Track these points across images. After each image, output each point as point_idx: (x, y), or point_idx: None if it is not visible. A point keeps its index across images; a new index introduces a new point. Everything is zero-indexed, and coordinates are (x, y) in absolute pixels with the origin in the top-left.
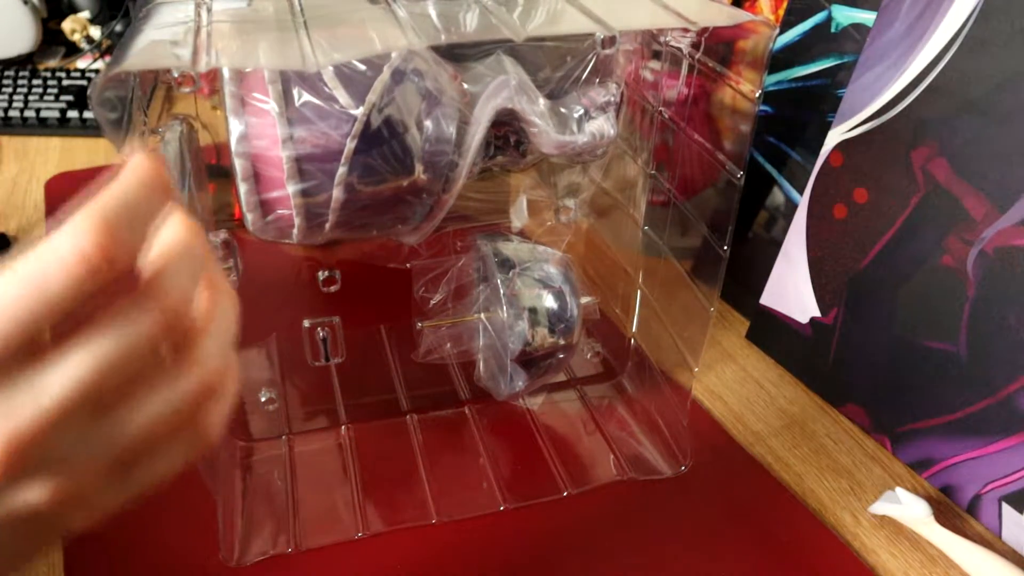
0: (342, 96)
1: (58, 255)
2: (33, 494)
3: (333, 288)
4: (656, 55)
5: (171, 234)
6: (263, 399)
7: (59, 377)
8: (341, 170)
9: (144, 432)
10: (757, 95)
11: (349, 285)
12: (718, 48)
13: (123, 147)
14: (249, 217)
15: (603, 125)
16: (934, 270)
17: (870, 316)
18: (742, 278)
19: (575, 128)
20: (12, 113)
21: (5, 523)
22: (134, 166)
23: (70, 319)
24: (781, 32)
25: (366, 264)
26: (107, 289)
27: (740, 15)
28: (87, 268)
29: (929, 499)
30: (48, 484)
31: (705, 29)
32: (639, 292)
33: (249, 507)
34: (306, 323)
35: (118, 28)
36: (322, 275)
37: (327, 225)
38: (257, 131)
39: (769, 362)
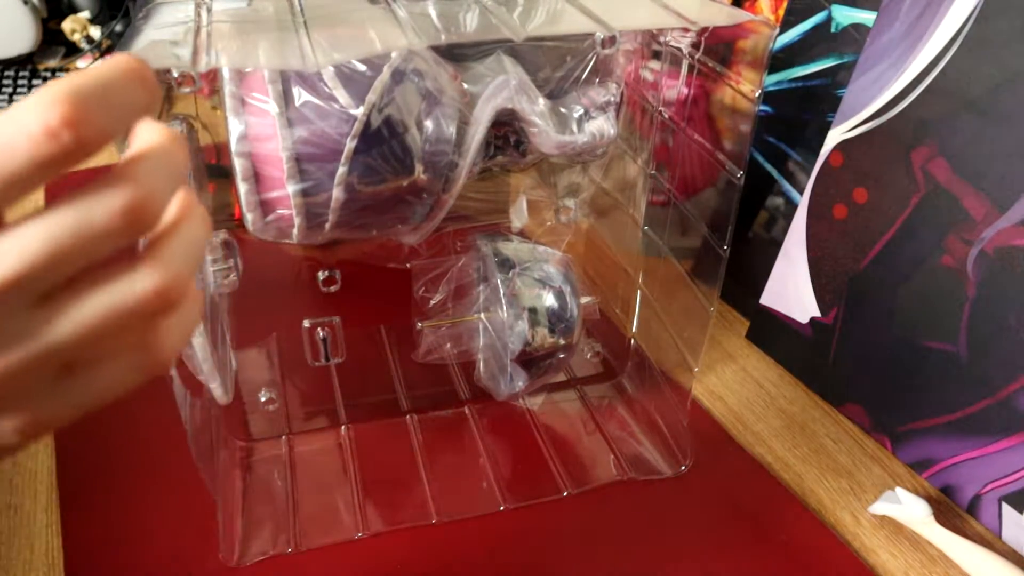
0: (342, 96)
1: (21, 126)
2: None
3: (333, 288)
4: (656, 55)
5: (152, 134)
6: (263, 399)
7: (9, 248)
8: (341, 170)
9: (89, 330)
10: (757, 95)
11: (349, 285)
12: (718, 48)
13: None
14: (249, 217)
15: (603, 125)
16: (934, 270)
17: (870, 316)
18: (742, 278)
19: (575, 128)
20: None
21: None
22: (117, 58)
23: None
24: (781, 32)
25: (366, 264)
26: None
27: (740, 15)
28: (54, 144)
29: (929, 499)
30: None
31: (705, 29)
32: (639, 292)
33: (249, 507)
34: (306, 323)
35: (118, 28)
36: (322, 275)
37: (327, 225)
38: (257, 131)
39: (769, 362)
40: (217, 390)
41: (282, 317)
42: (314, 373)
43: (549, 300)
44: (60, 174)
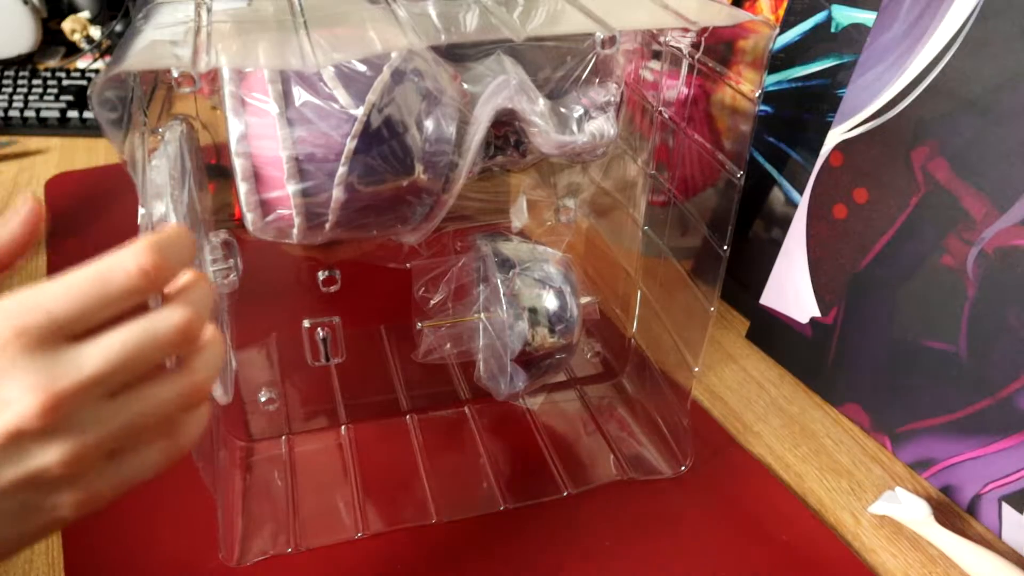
0: (342, 96)
1: (122, 263)
2: (50, 455)
3: (333, 288)
4: (656, 55)
5: (196, 278)
6: (263, 399)
7: (98, 352)
8: (341, 170)
9: (139, 420)
10: (757, 95)
11: (349, 285)
12: (718, 48)
13: (123, 147)
14: (249, 217)
15: (603, 125)
16: (934, 270)
17: (870, 316)
18: (742, 278)
19: (575, 128)
20: (12, 113)
21: (20, 483)
22: (179, 228)
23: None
24: (781, 32)
25: (366, 264)
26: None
27: (740, 15)
28: (141, 278)
29: (929, 499)
30: (63, 448)
31: (705, 29)
32: (639, 292)
33: (249, 507)
34: (306, 323)
35: (118, 28)
36: (322, 275)
37: (327, 225)
38: (257, 131)
39: (769, 362)
40: (217, 390)
41: (282, 317)
42: (314, 373)
43: (549, 300)
44: (134, 304)
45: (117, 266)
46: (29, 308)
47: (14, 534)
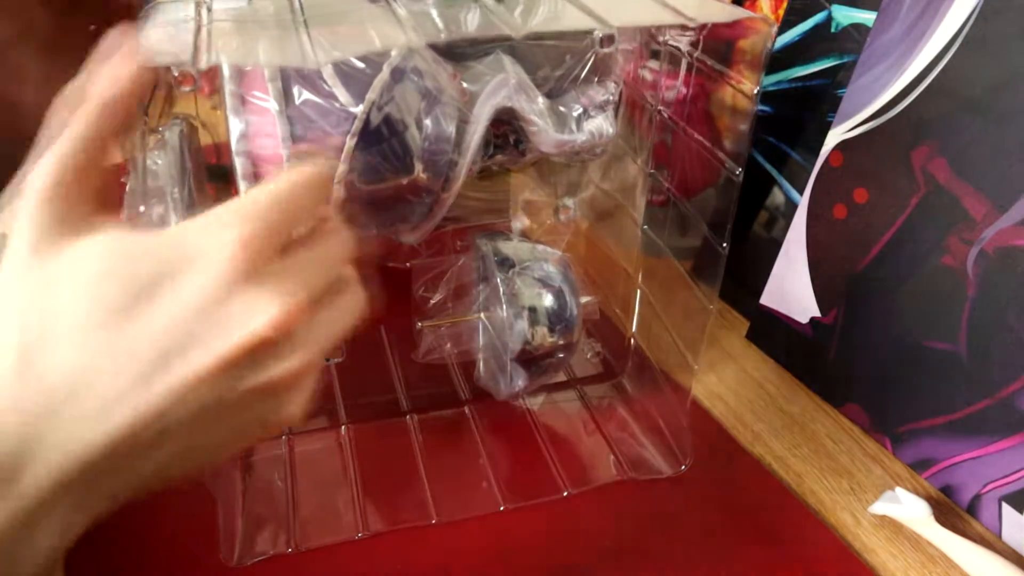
0: (341, 94)
1: (312, 179)
2: (284, 365)
3: None
4: (655, 55)
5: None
6: None
7: (317, 268)
8: (341, 168)
9: (339, 326)
10: (755, 92)
11: None
12: (718, 47)
13: (126, 144)
14: None
15: (602, 124)
16: (934, 270)
17: (870, 316)
18: (742, 278)
19: (574, 127)
20: None
21: (256, 392)
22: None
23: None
24: (781, 32)
25: (365, 263)
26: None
27: (739, 12)
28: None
29: (929, 499)
30: (293, 358)
31: (704, 26)
32: (638, 292)
33: (249, 507)
34: None
35: None
36: None
37: None
38: (257, 129)
39: (769, 362)
40: None
41: None
42: None
43: (549, 299)
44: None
45: (311, 181)
46: (251, 219)
47: (235, 441)
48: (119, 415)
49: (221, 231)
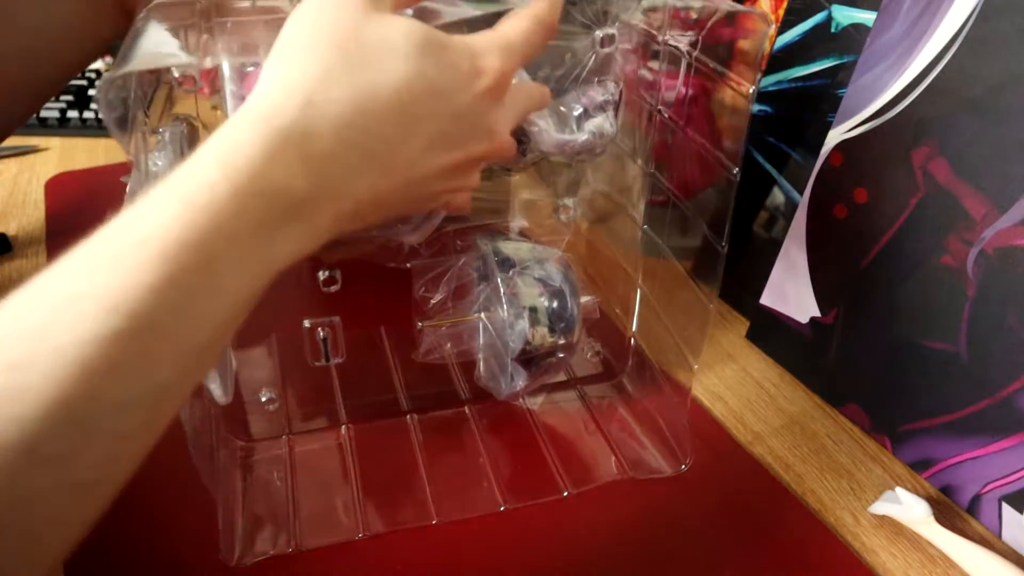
0: None
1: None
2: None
3: (333, 288)
4: (655, 55)
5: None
6: (263, 399)
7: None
8: None
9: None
10: (751, 91)
11: (349, 285)
12: (716, 48)
13: (129, 147)
14: None
15: (602, 123)
16: (934, 270)
17: (870, 316)
18: (742, 278)
19: (575, 127)
20: None
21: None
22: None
23: None
24: (781, 32)
25: (366, 264)
26: None
27: (738, 6)
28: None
29: (929, 499)
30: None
31: (703, 26)
32: (638, 291)
33: (249, 507)
34: (306, 323)
35: None
36: (322, 275)
37: None
38: None
39: (769, 362)
40: (216, 390)
41: (282, 317)
42: (314, 373)
43: (549, 300)
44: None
45: (547, 20)
46: (512, 55)
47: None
48: (389, 180)
49: (496, 59)
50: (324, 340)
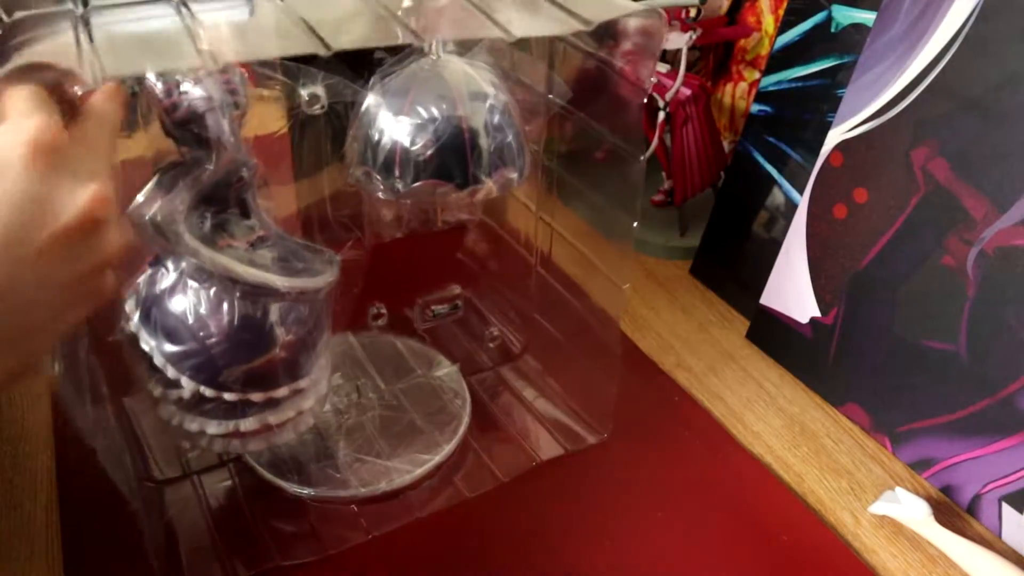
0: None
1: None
2: (101, 242)
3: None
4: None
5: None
6: None
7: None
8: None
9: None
10: (648, 81)
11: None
12: (714, 48)
13: None
14: None
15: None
16: (934, 270)
17: (870, 316)
18: (742, 278)
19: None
20: None
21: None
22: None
23: None
24: (781, 32)
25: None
26: None
27: (631, 6)
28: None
29: (929, 499)
30: (109, 236)
31: (694, 27)
32: (535, 272)
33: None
34: None
35: None
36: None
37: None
38: None
39: (769, 362)
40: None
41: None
42: None
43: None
44: None
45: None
46: (32, 117)
47: (65, 315)
48: None
49: (12, 135)
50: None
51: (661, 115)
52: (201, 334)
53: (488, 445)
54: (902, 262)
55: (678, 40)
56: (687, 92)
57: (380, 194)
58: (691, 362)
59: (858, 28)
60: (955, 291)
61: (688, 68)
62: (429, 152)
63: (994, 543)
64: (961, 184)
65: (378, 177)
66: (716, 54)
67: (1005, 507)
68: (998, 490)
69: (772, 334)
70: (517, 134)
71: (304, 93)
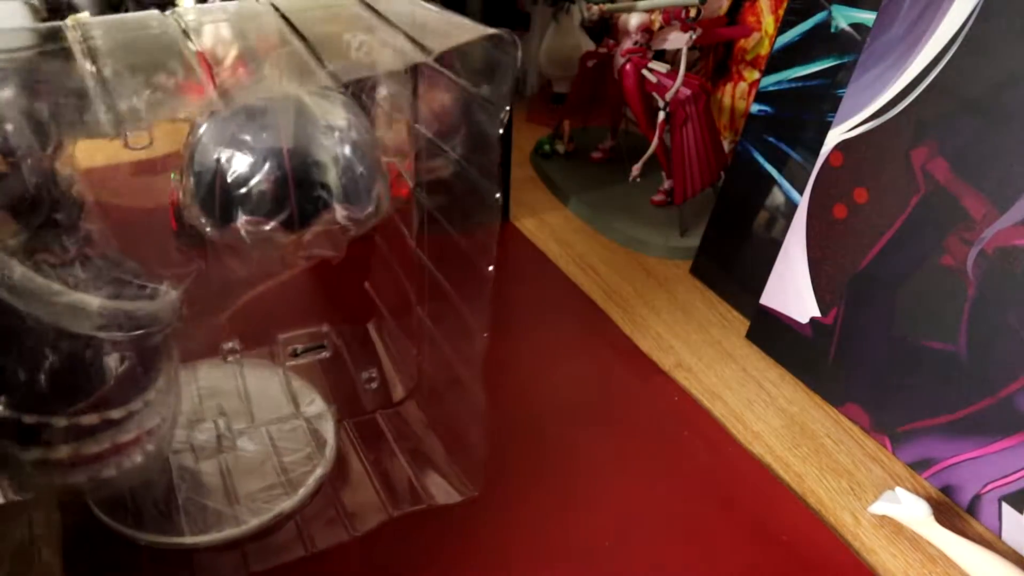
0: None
1: None
2: None
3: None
4: (658, 55)
5: None
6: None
7: None
8: None
9: None
10: (504, 92)
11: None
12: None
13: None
14: None
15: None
16: (934, 270)
17: (870, 316)
18: (742, 278)
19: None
20: None
21: None
22: None
23: None
24: (781, 32)
25: None
26: None
27: (480, 30)
28: None
29: (929, 499)
30: None
31: (694, 28)
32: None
33: None
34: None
35: None
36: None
37: None
38: None
39: (769, 362)
40: None
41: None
42: None
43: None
44: None
45: None
46: None
47: None
48: None
49: None
50: None
51: (661, 115)
52: None
53: (346, 495)
54: (902, 262)
55: (678, 40)
56: (687, 92)
57: (207, 232)
58: (691, 362)
59: (858, 28)
60: (955, 291)
61: (688, 68)
62: (251, 187)
63: (994, 543)
64: (961, 184)
65: (202, 213)
66: (716, 54)
67: (1005, 507)
68: (998, 490)
69: (772, 334)
70: (371, 168)
71: None
